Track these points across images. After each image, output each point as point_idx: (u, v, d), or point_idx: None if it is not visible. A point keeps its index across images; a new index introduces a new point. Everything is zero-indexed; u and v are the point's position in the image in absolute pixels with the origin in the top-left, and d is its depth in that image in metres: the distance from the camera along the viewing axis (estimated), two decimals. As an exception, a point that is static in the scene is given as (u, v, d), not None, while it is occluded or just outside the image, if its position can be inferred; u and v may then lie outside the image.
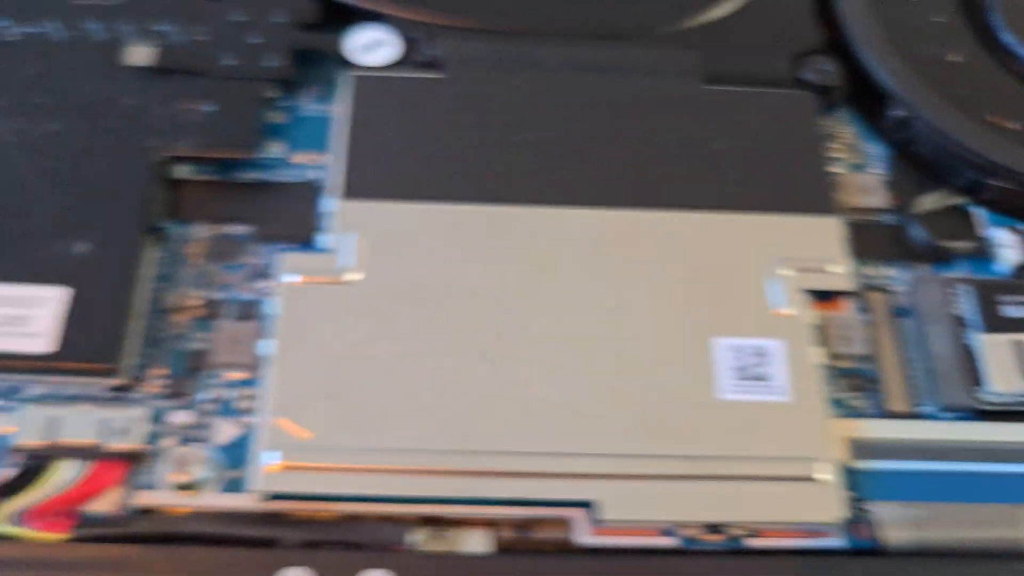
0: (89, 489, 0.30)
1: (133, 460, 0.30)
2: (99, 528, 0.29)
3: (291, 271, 0.32)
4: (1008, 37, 0.40)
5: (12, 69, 0.36)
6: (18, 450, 0.30)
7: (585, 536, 0.30)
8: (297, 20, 0.37)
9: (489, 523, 0.31)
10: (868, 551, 0.30)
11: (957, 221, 0.37)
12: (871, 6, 0.39)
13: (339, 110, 0.36)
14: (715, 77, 0.37)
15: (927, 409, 0.33)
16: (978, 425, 0.33)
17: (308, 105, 0.38)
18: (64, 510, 0.30)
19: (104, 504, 0.30)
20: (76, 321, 0.31)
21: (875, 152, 0.39)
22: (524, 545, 0.30)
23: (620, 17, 0.39)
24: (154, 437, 0.31)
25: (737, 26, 0.39)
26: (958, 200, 0.37)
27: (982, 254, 0.36)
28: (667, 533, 0.30)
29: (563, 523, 0.30)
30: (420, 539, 0.30)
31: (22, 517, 0.29)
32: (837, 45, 0.39)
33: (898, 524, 0.30)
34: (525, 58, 0.37)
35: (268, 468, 0.29)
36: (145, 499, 0.30)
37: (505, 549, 0.30)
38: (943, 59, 0.39)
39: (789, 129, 0.37)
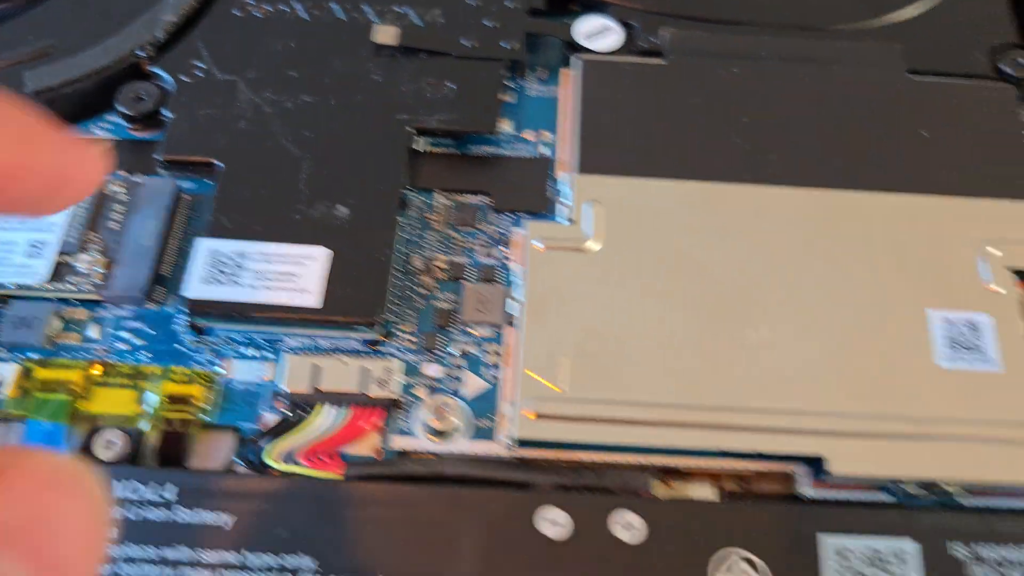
0: (350, 433, 0.33)
1: (390, 407, 0.33)
2: (368, 468, 0.32)
3: (537, 238, 0.34)
4: None
5: (260, 44, 0.39)
6: (283, 395, 0.33)
7: (808, 489, 0.32)
8: (526, 6, 0.40)
9: (714, 476, 0.33)
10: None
11: None
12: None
13: (565, 92, 0.39)
14: (918, 69, 0.39)
15: None
16: None
17: (533, 86, 0.40)
18: (330, 450, 0.32)
19: (364, 447, 0.33)
20: (339, 279, 0.34)
21: (1071, 144, 0.40)
22: (748, 495, 0.33)
23: (828, 11, 0.40)
24: (407, 389, 0.33)
25: (937, 21, 0.40)
26: None
27: None
28: (886, 490, 0.32)
29: (787, 477, 0.32)
30: (660, 486, 0.32)
31: (294, 455, 0.32)
32: (1033, 39, 0.41)
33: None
34: (740, 48, 0.39)
35: (523, 415, 0.32)
36: (401, 444, 0.33)
37: (731, 496, 0.32)
38: None
39: (992, 119, 0.38)
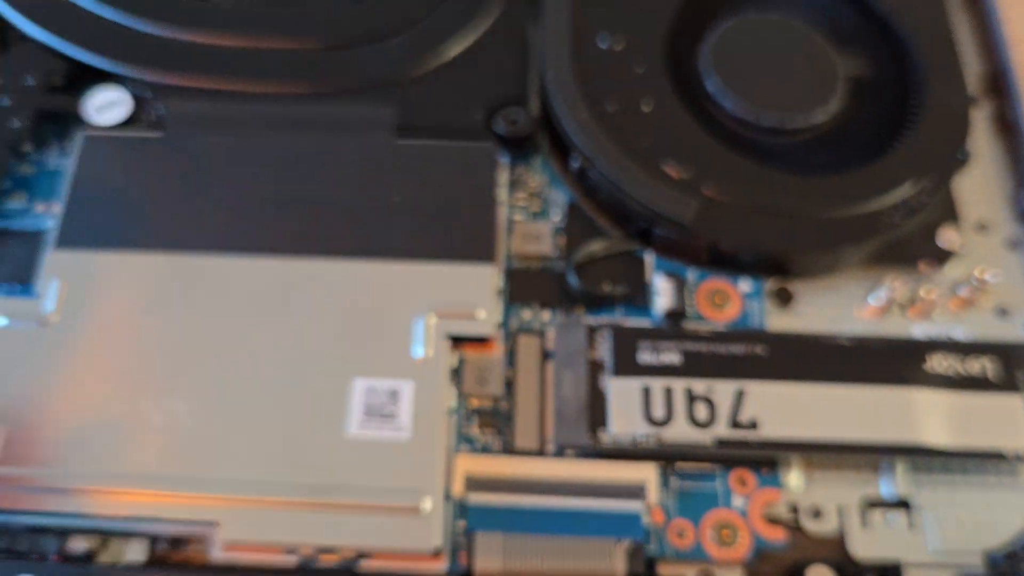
0: None
1: None
2: None
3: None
4: (712, 86, 0.42)
5: None
6: None
7: (218, 553, 0.34)
8: (44, 83, 0.42)
9: (150, 539, 0.35)
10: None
11: (627, 267, 0.40)
12: (569, 54, 0.42)
13: (70, 166, 0.41)
14: (410, 131, 0.41)
15: (555, 448, 0.36)
16: (596, 463, 0.36)
17: (52, 160, 0.42)
18: None
19: None
20: None
21: (559, 199, 0.41)
22: (175, 558, 0.35)
23: (325, 74, 0.42)
24: None
25: (434, 81, 0.42)
26: (629, 247, 0.40)
27: (642, 300, 0.39)
28: (291, 552, 0.34)
29: (205, 541, 0.35)
30: (84, 547, 0.35)
31: None
32: (542, 91, 0.42)
33: (489, 554, 0.34)
34: (237, 116, 0.41)
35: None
36: None
37: (159, 560, 0.35)
38: (636, 109, 0.41)
39: (469, 179, 0.40)
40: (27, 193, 0.42)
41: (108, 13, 0.43)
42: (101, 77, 0.43)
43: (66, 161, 0.42)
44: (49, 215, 0.41)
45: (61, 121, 0.42)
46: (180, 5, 0.44)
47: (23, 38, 0.44)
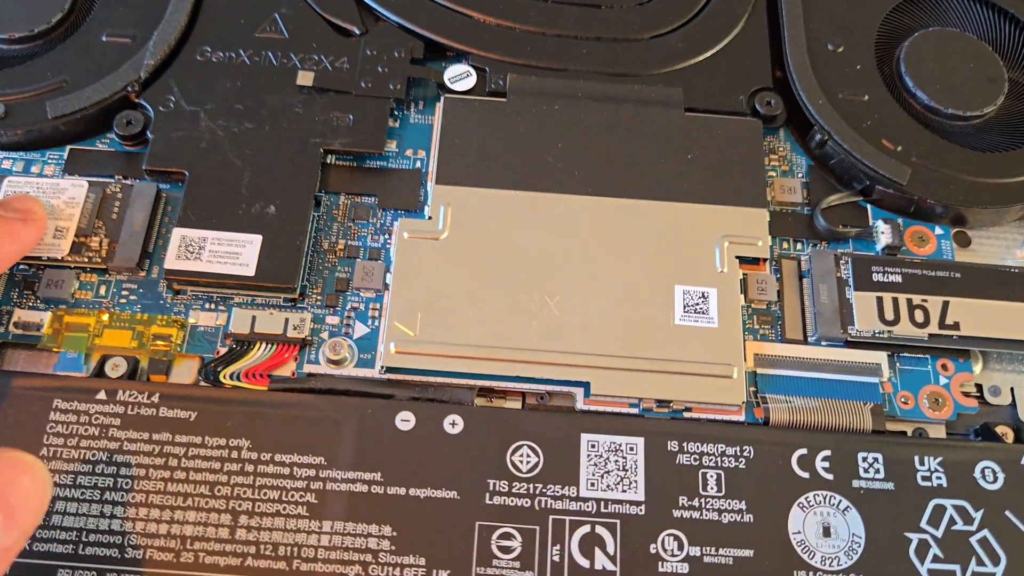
0: (275, 361, 0.51)
1: (303, 344, 0.52)
2: (285, 383, 0.50)
3: (405, 229, 0.53)
4: (910, 82, 0.59)
5: (216, 83, 0.57)
6: (230, 335, 0.52)
7: (581, 404, 0.51)
8: (409, 55, 0.57)
9: (522, 394, 0.51)
10: (760, 424, 0.51)
11: (854, 213, 0.56)
12: (807, 55, 0.58)
13: (436, 121, 0.57)
14: (695, 108, 0.57)
15: (814, 338, 0.53)
16: (846, 350, 0.53)
17: (414, 115, 0.58)
18: (261, 372, 0.51)
19: (285, 371, 0.51)
20: (268, 257, 0.52)
21: (801, 163, 0.58)
22: (543, 408, 0.51)
23: (630, 61, 0.58)
24: (314, 332, 0.52)
25: (709, 69, 0.58)
26: (856, 198, 0.57)
27: (867, 237, 0.56)
28: (633, 405, 0.51)
29: (568, 395, 0.51)
30: (478, 401, 0.51)
31: (239, 376, 0.51)
32: (785, 84, 0.58)
33: (780, 409, 0.51)
34: (562, 90, 0.57)
35: (389, 351, 0.50)
36: (309, 368, 0.51)
37: (530, 408, 0.51)
38: (858, 97, 0.58)
39: (741, 146, 0.56)
40: (396, 141, 0.57)
41: (452, 5, 0.59)
42: (443, 54, 0.58)
43: (421, 118, 0.58)
44: (416, 158, 0.57)
45: (418, 84, 0.58)
46: (508, 2, 0.59)
47: (377, 20, 0.59)
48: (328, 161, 0.55)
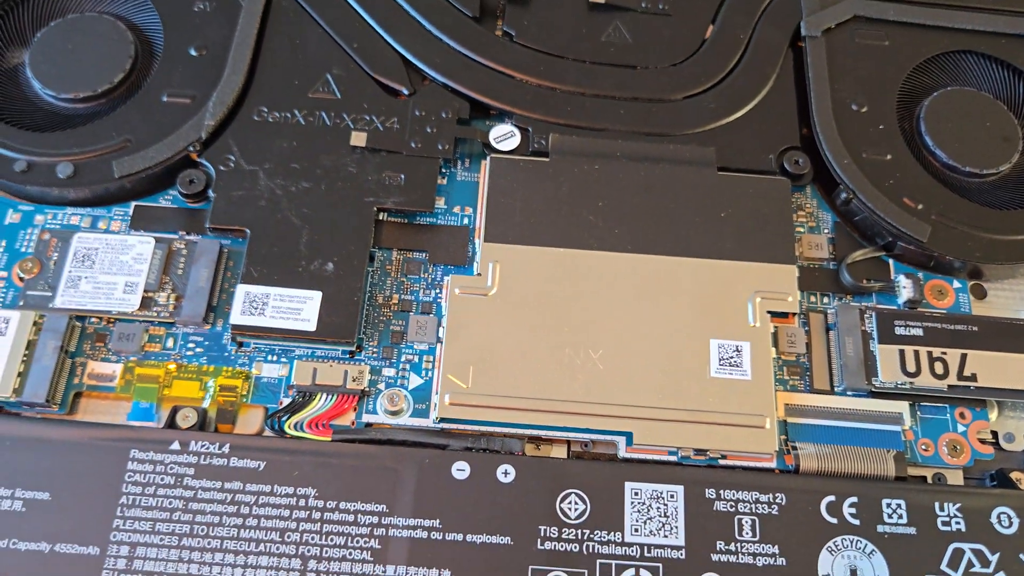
0: (336, 412, 0.56)
1: (361, 395, 0.56)
2: (347, 434, 0.55)
3: (456, 286, 0.57)
4: (930, 141, 0.63)
5: (273, 143, 0.61)
6: (292, 387, 0.56)
7: (623, 452, 0.55)
8: (456, 116, 0.61)
9: (568, 443, 0.56)
10: (792, 471, 0.55)
11: (877, 267, 0.61)
12: (833, 115, 0.62)
13: (482, 179, 0.61)
14: (727, 167, 0.61)
15: (840, 388, 0.57)
16: (869, 400, 0.57)
17: (461, 173, 0.62)
18: (323, 422, 0.55)
19: (345, 420, 0.55)
20: (328, 312, 0.56)
21: (826, 218, 0.62)
22: (587, 456, 0.56)
23: (666, 121, 0.62)
24: (372, 383, 0.56)
25: (740, 129, 0.62)
26: (879, 253, 0.61)
27: (890, 291, 0.60)
28: (672, 453, 0.55)
29: (612, 444, 0.55)
30: (527, 449, 0.55)
31: (302, 425, 0.55)
32: (811, 142, 0.63)
33: (809, 456, 0.55)
34: (601, 150, 0.61)
35: (443, 403, 0.54)
36: (368, 419, 0.55)
37: (575, 456, 0.55)
38: (881, 156, 0.62)
39: (770, 204, 0.60)
40: (444, 198, 0.61)
41: (496, 67, 0.63)
42: (487, 113, 0.62)
43: (468, 175, 0.62)
44: (464, 215, 0.61)
45: (463, 142, 0.62)
46: (547, 63, 0.63)
47: (424, 80, 0.63)
48: (381, 218, 0.59)
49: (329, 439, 0.54)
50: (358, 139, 0.60)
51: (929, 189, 0.61)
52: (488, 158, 0.61)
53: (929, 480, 0.56)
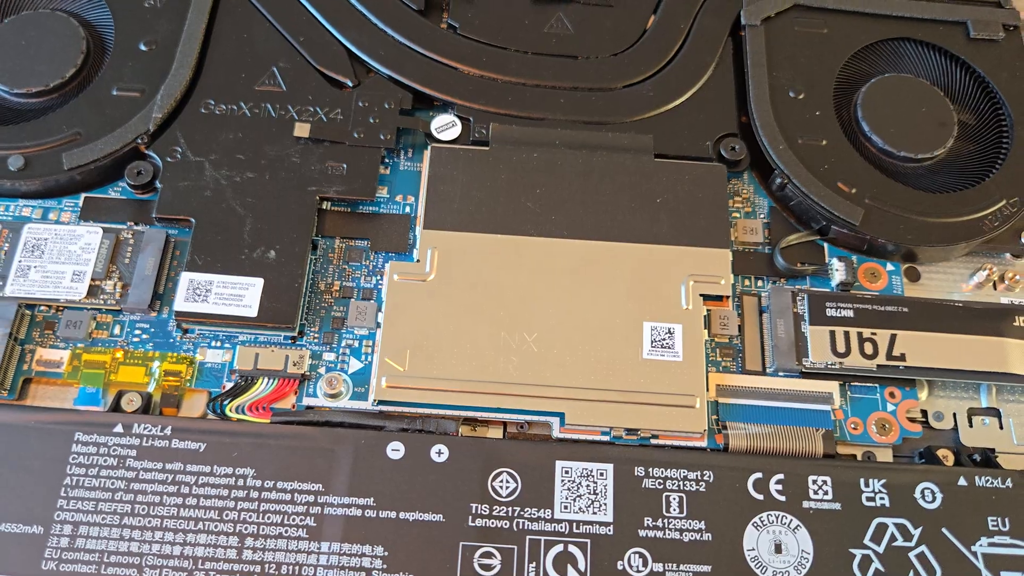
0: (277, 395, 0.58)
1: (302, 379, 0.58)
2: (286, 416, 0.57)
3: (395, 272, 0.59)
4: (866, 127, 0.66)
5: (219, 134, 0.63)
6: (235, 371, 0.58)
7: (557, 432, 0.57)
8: (399, 107, 0.64)
9: (503, 424, 0.58)
10: (720, 449, 0.57)
11: (811, 251, 0.63)
12: (770, 102, 0.65)
13: (424, 168, 0.63)
14: (662, 153, 0.64)
15: (772, 369, 0.60)
16: (800, 380, 0.59)
17: (403, 162, 0.65)
18: (263, 405, 0.58)
19: (286, 404, 0.58)
20: (269, 298, 0.59)
21: (763, 204, 0.65)
22: (523, 436, 0.58)
23: (604, 110, 0.65)
24: (312, 367, 0.59)
25: (678, 116, 0.65)
26: (813, 238, 0.63)
27: (823, 274, 0.62)
28: (604, 433, 0.58)
29: (546, 425, 0.58)
30: (463, 430, 0.57)
31: (244, 409, 0.57)
32: (748, 129, 0.65)
33: (739, 436, 0.57)
34: (540, 138, 0.63)
35: (380, 385, 0.57)
36: (308, 402, 0.58)
37: (510, 437, 0.58)
38: (816, 142, 0.64)
39: (706, 190, 0.62)
40: (386, 188, 0.64)
41: (439, 58, 0.65)
42: (430, 104, 0.65)
43: (411, 165, 0.65)
44: (407, 203, 0.63)
45: (407, 133, 0.65)
46: (490, 55, 0.66)
47: (368, 72, 0.66)
48: (324, 207, 0.62)
49: (268, 421, 0.56)
50: (302, 130, 0.63)
51: (864, 174, 0.63)
52: (429, 147, 0.63)
53: (859, 458, 0.58)
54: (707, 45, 0.67)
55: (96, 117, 0.63)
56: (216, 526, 0.53)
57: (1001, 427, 0.60)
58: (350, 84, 0.65)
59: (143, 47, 0.65)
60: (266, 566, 0.52)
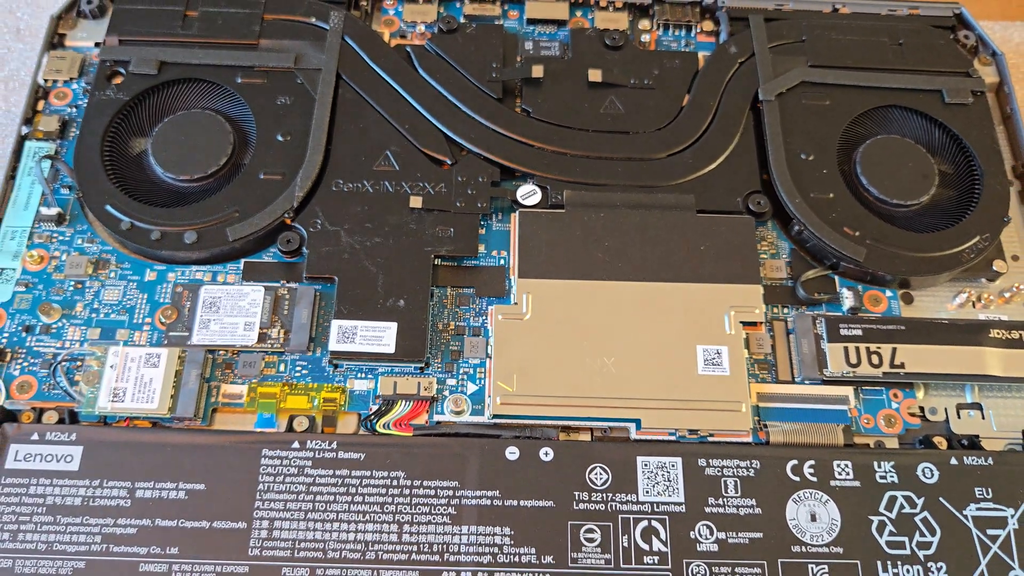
0: (414, 414, 0.75)
1: (431, 401, 0.76)
2: (424, 430, 0.74)
3: (499, 313, 0.77)
4: (864, 180, 0.83)
5: (349, 207, 0.80)
6: (379, 396, 0.75)
7: (634, 435, 0.75)
8: (490, 179, 0.82)
9: (591, 430, 0.75)
10: (763, 443, 0.75)
11: (825, 283, 0.81)
12: (786, 163, 0.82)
13: (512, 228, 0.81)
14: (702, 209, 0.81)
15: (799, 379, 0.77)
16: (822, 387, 0.77)
17: (495, 223, 0.82)
18: (405, 422, 0.75)
19: (421, 420, 0.75)
20: (402, 338, 0.76)
21: (784, 246, 0.82)
22: (607, 439, 0.75)
23: (653, 175, 0.82)
24: (439, 390, 0.76)
25: (713, 178, 0.82)
26: (827, 272, 0.81)
27: (836, 302, 0.80)
28: (671, 434, 0.75)
29: (625, 429, 0.75)
30: (562, 436, 0.75)
31: (390, 425, 0.75)
32: (769, 186, 0.83)
33: (777, 432, 0.75)
34: (604, 201, 0.81)
35: (496, 403, 0.74)
36: (438, 418, 0.75)
37: (598, 439, 0.75)
38: (825, 195, 0.82)
39: (738, 237, 0.80)
40: (484, 245, 0.81)
41: (518, 138, 0.83)
42: (514, 175, 0.82)
43: (501, 225, 0.82)
44: (501, 257, 0.81)
45: (497, 202, 0.82)
46: (559, 133, 0.83)
47: (463, 151, 0.83)
48: (437, 263, 0.79)
49: (411, 434, 0.73)
50: (415, 202, 0.80)
51: (865, 219, 0.81)
52: (517, 212, 0.80)
53: (871, 446, 0.75)
54: (733, 118, 0.85)
55: (249, 197, 0.80)
56: (379, 516, 0.69)
57: (983, 418, 0.76)
58: (449, 162, 0.82)
59: (280, 138, 0.82)
60: (421, 546, 0.69)
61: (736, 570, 0.68)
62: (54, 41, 0.90)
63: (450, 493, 0.70)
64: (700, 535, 0.69)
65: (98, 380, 0.72)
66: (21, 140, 0.85)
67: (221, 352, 0.75)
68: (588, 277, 0.77)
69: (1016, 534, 0.70)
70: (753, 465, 0.72)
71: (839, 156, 0.84)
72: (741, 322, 0.76)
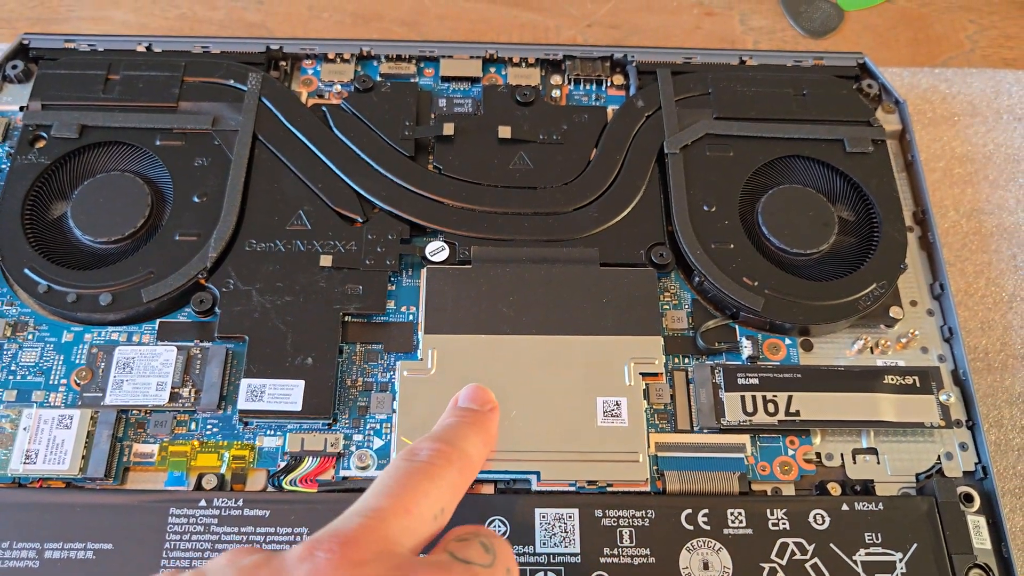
0: (320, 470, 0.79)
1: (338, 456, 0.79)
2: (329, 486, 0.78)
3: (404, 369, 0.80)
4: (766, 230, 0.87)
5: (261, 267, 0.84)
6: (287, 453, 0.79)
7: (535, 487, 0.78)
8: (399, 237, 0.85)
9: (494, 482, 0.79)
10: (660, 492, 0.78)
11: (726, 332, 0.84)
12: (688, 216, 0.86)
13: (421, 284, 0.84)
14: (606, 262, 0.85)
15: (698, 428, 0.81)
16: (719, 435, 0.80)
17: (405, 280, 0.86)
18: (310, 478, 0.78)
19: (327, 476, 0.79)
20: (310, 395, 0.79)
21: (687, 297, 0.86)
22: (509, 491, 0.78)
23: (559, 229, 0.86)
24: (346, 446, 0.79)
25: (617, 231, 0.86)
26: (727, 322, 0.84)
27: (735, 351, 0.83)
28: (571, 485, 0.78)
29: (527, 481, 0.78)
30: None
31: (296, 482, 0.78)
32: (673, 237, 0.86)
33: (672, 481, 0.78)
34: (510, 256, 0.84)
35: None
36: (345, 473, 0.78)
37: (500, 491, 0.78)
38: (726, 246, 0.85)
39: (640, 289, 0.83)
40: (393, 301, 0.85)
41: (428, 195, 0.86)
42: (423, 232, 0.86)
43: (412, 281, 0.86)
44: (409, 313, 0.84)
45: (406, 258, 0.86)
46: (468, 190, 0.87)
47: (374, 209, 0.87)
48: (346, 320, 0.83)
49: (316, 491, 0.77)
50: (326, 260, 0.83)
51: (764, 269, 0.84)
52: (425, 268, 0.84)
53: (768, 493, 0.78)
54: (638, 171, 0.88)
55: (164, 258, 0.83)
56: (282, 572, 0.73)
57: (878, 462, 0.80)
58: (360, 220, 0.86)
59: (196, 199, 0.86)
60: (321, 600, 0.72)
61: (624, 620, 0.72)
62: (-21, 106, 0.94)
63: (351, 548, 0.73)
64: (594, 585, 0.72)
65: (11, 442, 0.76)
66: (-54, 204, 0.88)
67: (134, 412, 0.79)
68: (493, 331, 0.80)
69: (900, 579, 0.73)
70: (648, 515, 0.75)
71: (742, 206, 0.87)
72: (641, 373, 0.80)
